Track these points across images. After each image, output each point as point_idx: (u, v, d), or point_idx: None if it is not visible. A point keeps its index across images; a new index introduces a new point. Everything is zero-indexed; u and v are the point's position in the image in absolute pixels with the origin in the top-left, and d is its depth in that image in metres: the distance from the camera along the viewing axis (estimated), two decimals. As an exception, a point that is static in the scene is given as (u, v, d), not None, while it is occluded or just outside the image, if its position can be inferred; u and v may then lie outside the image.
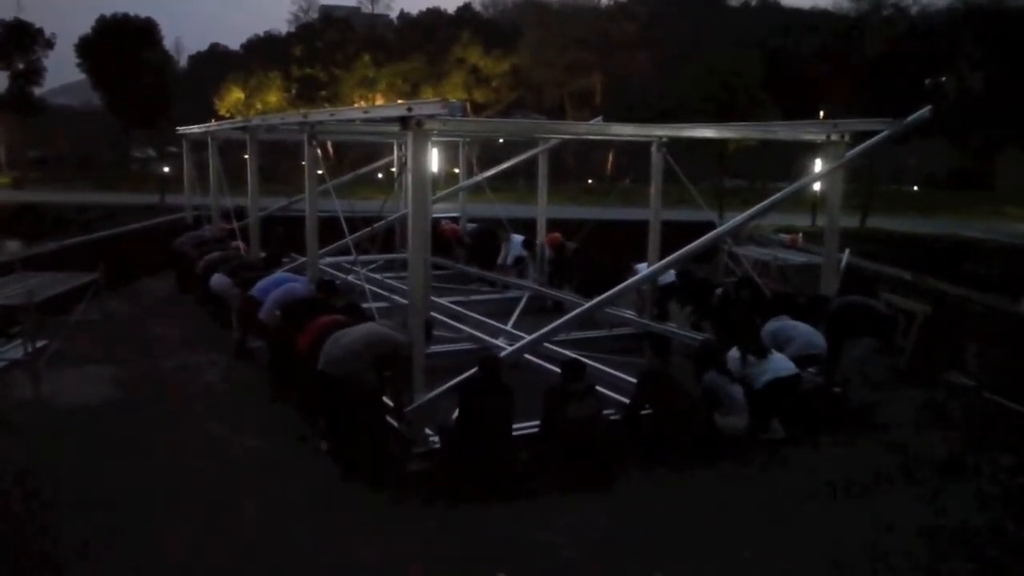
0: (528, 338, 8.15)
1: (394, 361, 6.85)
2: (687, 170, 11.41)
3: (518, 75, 57.59)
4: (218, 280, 10.96)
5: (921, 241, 26.17)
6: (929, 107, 9.25)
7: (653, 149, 11.09)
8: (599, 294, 8.78)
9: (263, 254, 12.38)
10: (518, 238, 15.06)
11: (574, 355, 7.96)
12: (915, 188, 54.23)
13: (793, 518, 6.11)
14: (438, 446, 6.68)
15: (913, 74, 30.32)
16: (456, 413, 6.57)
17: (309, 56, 57.81)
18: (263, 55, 59.63)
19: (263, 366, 9.15)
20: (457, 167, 17.43)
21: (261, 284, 9.50)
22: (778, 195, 9.70)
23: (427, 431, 6.90)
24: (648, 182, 11.20)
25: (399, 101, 22.08)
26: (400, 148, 17.63)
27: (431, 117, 7.05)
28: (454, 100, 7.18)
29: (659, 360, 7.47)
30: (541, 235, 14.55)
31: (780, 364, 7.82)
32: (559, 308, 12.34)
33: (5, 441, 7.19)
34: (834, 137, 9.81)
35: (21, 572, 5.02)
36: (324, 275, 10.56)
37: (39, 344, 8.87)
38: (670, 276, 11.48)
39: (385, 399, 7.03)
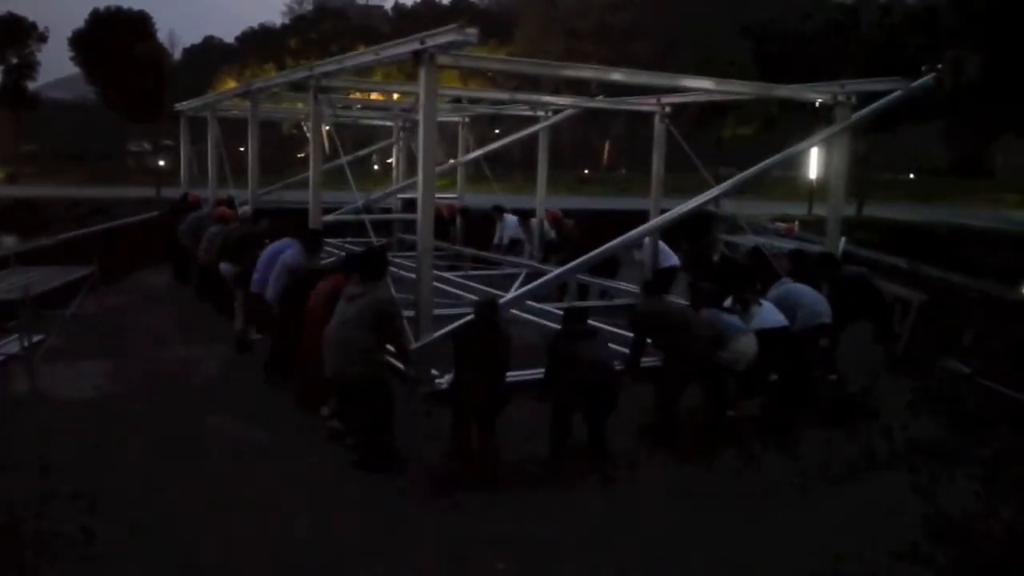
0: (527, 287, 8.40)
1: (384, 321, 6.65)
2: (683, 157, 11.44)
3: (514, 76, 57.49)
4: (226, 269, 10.67)
5: (917, 229, 26.18)
6: (933, 73, 9.28)
7: (656, 120, 11.23)
8: (599, 272, 8.89)
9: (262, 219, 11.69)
10: (512, 218, 14.81)
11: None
12: (911, 176, 54.22)
13: (789, 505, 6.15)
14: (444, 387, 6.80)
15: (910, 60, 30.30)
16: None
17: (304, 47, 57.69)
18: (258, 47, 59.53)
19: (264, 358, 9.14)
20: (452, 157, 17.37)
21: (256, 276, 9.32)
22: (779, 155, 9.70)
23: (433, 372, 7.17)
24: (643, 171, 11.26)
25: (394, 94, 21.99)
26: (400, 129, 17.58)
27: (445, 50, 6.98)
28: (469, 28, 6.97)
29: (656, 298, 7.61)
30: (541, 215, 14.52)
31: (768, 315, 7.85)
32: (562, 287, 12.25)
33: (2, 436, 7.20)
34: (840, 98, 9.76)
35: (20, 566, 5.02)
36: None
37: (35, 339, 8.86)
38: (672, 259, 11.64)
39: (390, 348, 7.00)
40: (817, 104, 10.37)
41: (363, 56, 9.38)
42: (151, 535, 5.40)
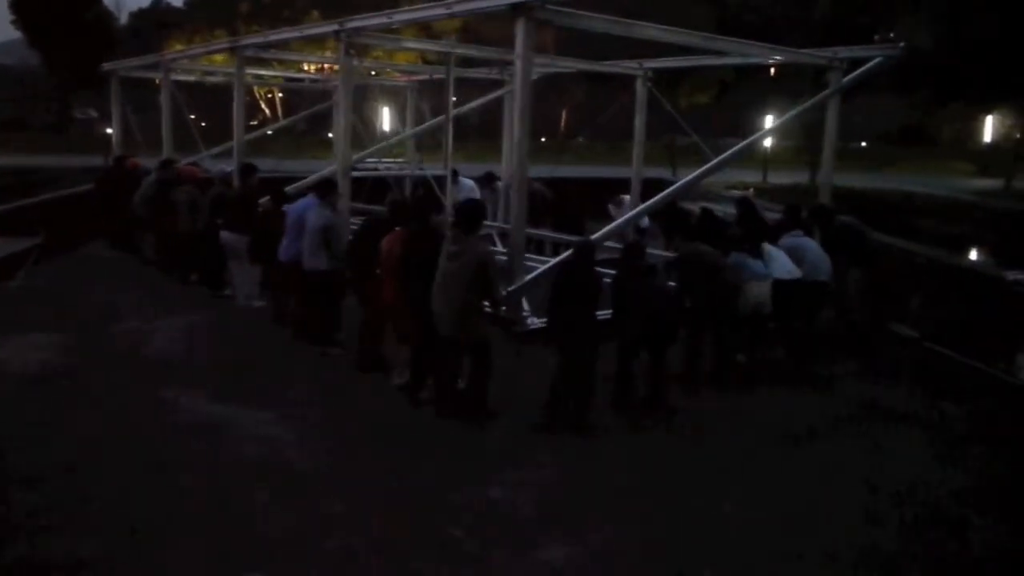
0: (613, 224, 9.29)
1: (482, 272, 6.75)
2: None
3: (469, 31, 56.79)
4: (229, 238, 10.22)
5: (868, 196, 26.64)
6: (903, 44, 9.78)
7: (638, 84, 11.50)
8: (570, 230, 9.15)
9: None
10: (468, 182, 14.43)
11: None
12: (863, 144, 55.05)
13: (742, 469, 6.25)
14: (535, 326, 7.33)
15: (864, 29, 30.63)
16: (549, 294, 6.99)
17: (255, 13, 56.25)
18: (208, 11, 57.89)
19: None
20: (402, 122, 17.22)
21: (286, 243, 9.07)
22: (779, 121, 10.12)
23: (524, 312, 7.74)
24: (603, 140, 11.46)
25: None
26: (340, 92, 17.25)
27: (543, 3, 6.86)
28: None
29: (693, 243, 7.93)
30: (507, 179, 14.53)
31: (784, 266, 8.24)
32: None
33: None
34: (835, 63, 10.23)
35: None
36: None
37: (-19, 311, 8.64)
38: (646, 222, 11.96)
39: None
40: (769, 62, 10.71)
41: (431, 10, 8.75)
42: (103, 510, 5.32)
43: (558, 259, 7.92)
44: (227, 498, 5.55)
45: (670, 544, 5.11)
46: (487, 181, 14.73)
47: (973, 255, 19.21)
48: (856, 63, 10.22)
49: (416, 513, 5.43)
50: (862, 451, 6.62)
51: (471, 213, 7.05)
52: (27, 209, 14.42)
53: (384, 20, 9.47)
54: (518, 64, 7.38)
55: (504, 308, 7.57)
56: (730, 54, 11.45)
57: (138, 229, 13.05)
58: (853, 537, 5.20)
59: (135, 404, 7.25)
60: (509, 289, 7.69)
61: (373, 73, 17.58)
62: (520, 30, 7.08)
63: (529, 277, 7.89)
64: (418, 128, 15.41)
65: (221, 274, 10.84)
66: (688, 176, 10.07)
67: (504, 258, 8.92)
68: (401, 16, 9.30)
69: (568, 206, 13.86)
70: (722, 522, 5.42)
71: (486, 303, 6.98)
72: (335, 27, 9.66)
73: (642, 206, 9.61)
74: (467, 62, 15.49)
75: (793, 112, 10.84)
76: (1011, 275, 11.57)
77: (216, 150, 16.04)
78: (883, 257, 10.40)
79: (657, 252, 10.26)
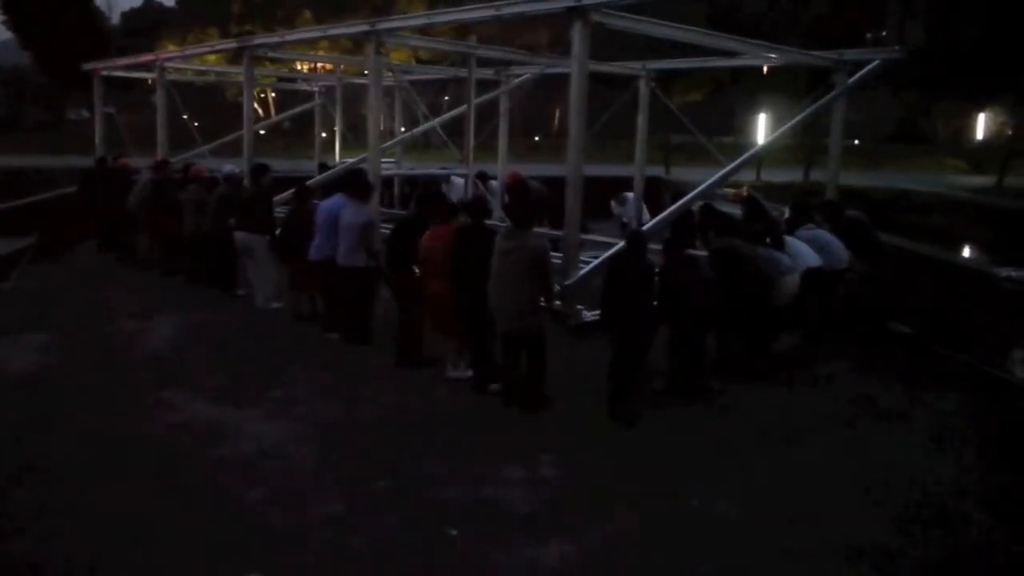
0: (659, 216, 9.40)
1: (538, 267, 6.88)
2: (631, 126, 11.63)
3: (463, 30, 56.71)
4: (245, 238, 10.12)
5: (861, 194, 26.71)
6: (897, 47, 10.02)
7: (642, 84, 11.66)
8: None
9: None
10: (459, 181, 14.39)
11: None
12: (856, 142, 55.22)
13: (741, 467, 6.26)
14: (589, 319, 7.47)
15: (855, 26, 30.72)
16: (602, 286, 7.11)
17: (248, 13, 56.14)
18: (200, 11, 57.78)
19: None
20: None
21: (317, 242, 8.98)
22: (792, 121, 10.71)
23: (578, 306, 7.90)
24: (595, 138, 11.47)
25: (340, 56, 21.65)
26: (318, 94, 17.28)
27: (597, 7, 6.87)
28: None
29: (727, 238, 8.09)
30: (502, 179, 14.62)
31: (809, 256, 8.48)
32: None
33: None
34: (841, 65, 10.54)
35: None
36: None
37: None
38: (647, 216, 12.10)
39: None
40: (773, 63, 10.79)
41: (478, 11, 8.71)
42: (94, 511, 5.32)
43: (611, 251, 8.06)
44: (226, 498, 5.56)
45: (669, 543, 5.12)
46: (479, 180, 14.72)
47: (965, 252, 19.29)
48: (859, 64, 10.40)
49: (415, 512, 5.42)
50: (860, 448, 6.64)
51: (524, 209, 7.23)
52: (21, 210, 14.37)
53: (423, 21, 9.54)
54: (574, 66, 7.50)
55: (559, 303, 7.75)
56: (740, 55, 11.54)
57: (130, 230, 12.98)
58: (852, 534, 5.21)
59: (132, 404, 7.24)
60: (565, 283, 7.87)
61: (365, 72, 17.55)
62: (576, 33, 7.13)
63: (584, 271, 8.03)
64: (433, 122, 15.36)
65: (232, 275, 10.80)
66: (713, 175, 10.25)
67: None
68: (441, 18, 9.33)
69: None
70: (721, 521, 5.43)
71: (542, 298, 7.11)
72: (366, 27, 9.60)
73: (680, 202, 9.72)
74: (463, 62, 15.49)
75: (803, 113, 10.98)
76: (1003, 272, 11.63)
77: (211, 145, 16.03)
78: (888, 253, 10.53)
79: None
